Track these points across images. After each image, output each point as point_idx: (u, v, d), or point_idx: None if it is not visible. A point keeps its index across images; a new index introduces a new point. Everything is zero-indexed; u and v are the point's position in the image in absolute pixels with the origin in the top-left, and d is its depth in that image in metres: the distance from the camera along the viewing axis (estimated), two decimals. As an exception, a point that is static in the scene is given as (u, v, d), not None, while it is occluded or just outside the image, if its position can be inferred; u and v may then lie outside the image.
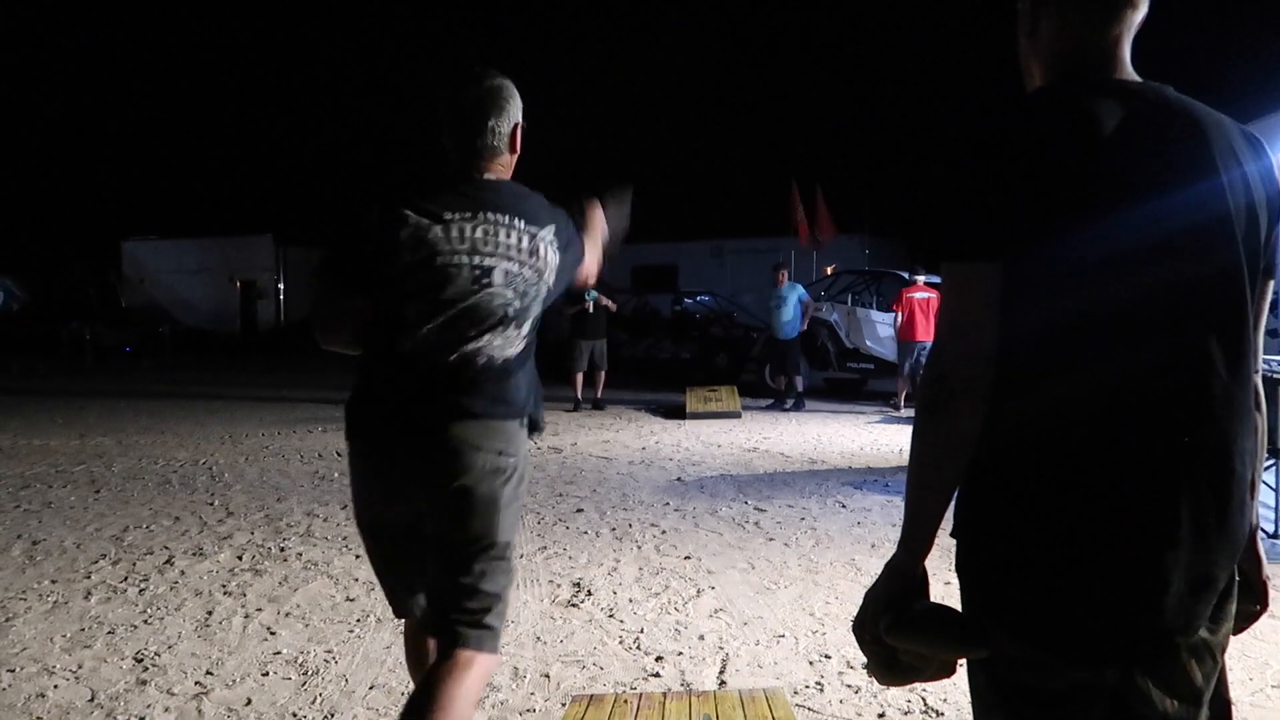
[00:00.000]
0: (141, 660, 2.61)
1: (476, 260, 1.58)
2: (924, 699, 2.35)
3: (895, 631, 0.88)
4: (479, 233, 1.58)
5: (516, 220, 1.61)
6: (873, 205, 15.40)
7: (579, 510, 4.61)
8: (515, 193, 1.65)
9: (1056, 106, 0.91)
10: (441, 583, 1.60)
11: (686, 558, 3.75)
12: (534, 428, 1.70)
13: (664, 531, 4.18)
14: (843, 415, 8.68)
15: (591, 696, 2.27)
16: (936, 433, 0.87)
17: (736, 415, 8.43)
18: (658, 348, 13.23)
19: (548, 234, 1.65)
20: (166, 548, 3.84)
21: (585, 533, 4.15)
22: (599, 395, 9.14)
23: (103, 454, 6.25)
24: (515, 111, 1.65)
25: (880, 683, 0.95)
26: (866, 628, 0.91)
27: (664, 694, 2.29)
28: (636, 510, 4.62)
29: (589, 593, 3.27)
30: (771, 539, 4.04)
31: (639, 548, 3.90)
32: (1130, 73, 0.96)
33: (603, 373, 9.06)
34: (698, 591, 3.28)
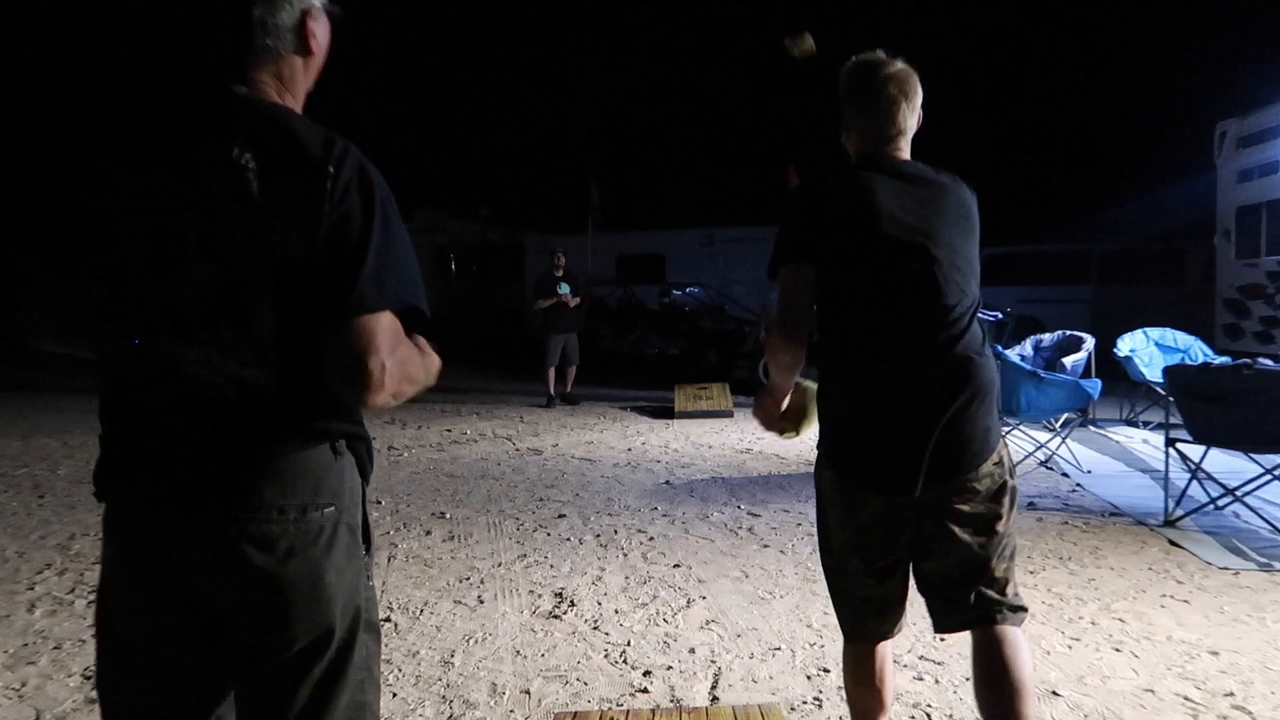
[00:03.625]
0: (90, 678, 2.59)
1: (164, 219, 1.13)
2: (928, 714, 2.37)
3: (786, 433, 1.98)
4: (190, 169, 1.14)
5: (254, 148, 1.14)
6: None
7: (561, 516, 4.60)
8: (270, 117, 1.17)
9: (848, 175, 1.77)
10: None
11: (676, 566, 3.75)
12: (361, 464, 1.27)
13: (652, 538, 4.19)
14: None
15: (575, 714, 2.27)
16: (786, 352, 1.77)
17: (729, 414, 8.45)
18: (644, 343, 13.23)
19: (311, 170, 1.14)
20: (117, 557, 3.79)
21: (568, 540, 4.15)
22: (569, 389, 9.22)
23: (47, 456, 6.17)
24: None
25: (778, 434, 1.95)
26: (773, 426, 1.95)
27: (653, 710, 2.29)
28: (622, 516, 4.62)
29: (572, 603, 3.26)
30: (766, 546, 4.05)
31: (625, 555, 3.90)
32: (905, 156, 1.82)
33: (574, 368, 9.15)
34: (688, 602, 3.29)
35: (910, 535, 1.76)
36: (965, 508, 1.72)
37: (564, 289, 8.97)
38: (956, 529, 1.72)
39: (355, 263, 1.12)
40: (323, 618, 1.17)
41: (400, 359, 1.15)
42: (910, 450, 1.69)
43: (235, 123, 1.15)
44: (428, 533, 4.26)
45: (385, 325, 1.13)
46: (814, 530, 4.47)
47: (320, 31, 1.27)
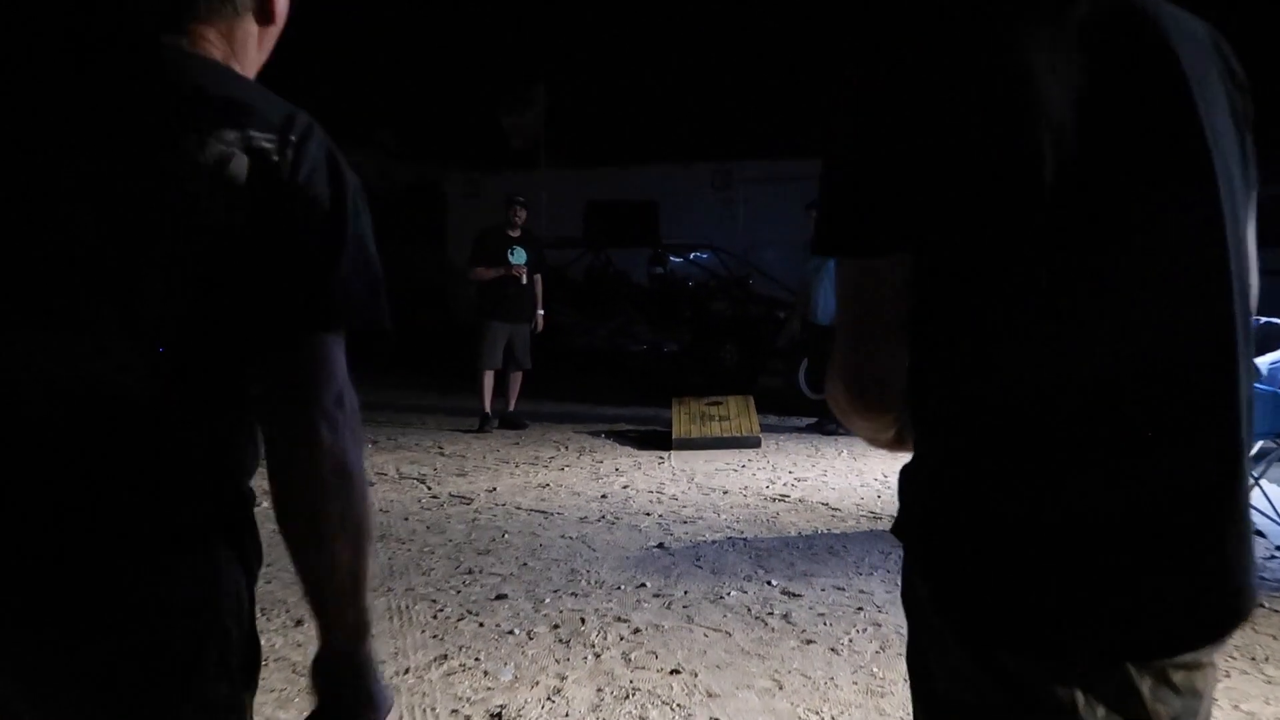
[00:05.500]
0: None
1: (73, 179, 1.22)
2: None
3: None
4: (82, 126, 1.24)
5: (181, 108, 1.25)
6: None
7: (499, 597, 4.58)
8: (216, 72, 1.33)
9: (991, 21, 1.19)
10: None
11: (674, 672, 3.74)
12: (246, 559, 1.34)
13: (637, 630, 4.17)
14: (920, 442, 8.72)
15: None
16: (862, 420, 1.37)
17: (754, 443, 8.47)
18: (627, 334, 13.22)
19: (258, 143, 1.26)
20: None
21: (511, 632, 4.13)
22: (514, 405, 9.27)
23: None
24: None
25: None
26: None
27: None
28: (593, 597, 4.60)
29: (517, 730, 3.23)
30: (810, 641, 4.05)
31: (597, 657, 3.89)
32: None
33: (522, 374, 9.22)
34: (692, 727, 3.26)
35: None
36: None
37: (518, 256, 8.96)
38: None
39: (324, 264, 1.24)
40: None
41: (354, 405, 1.27)
42: (1193, 577, 1.21)
43: (166, 71, 1.27)
44: (297, 623, 4.20)
45: (341, 352, 1.26)
46: (880, 616, 4.51)
47: None
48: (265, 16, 1.42)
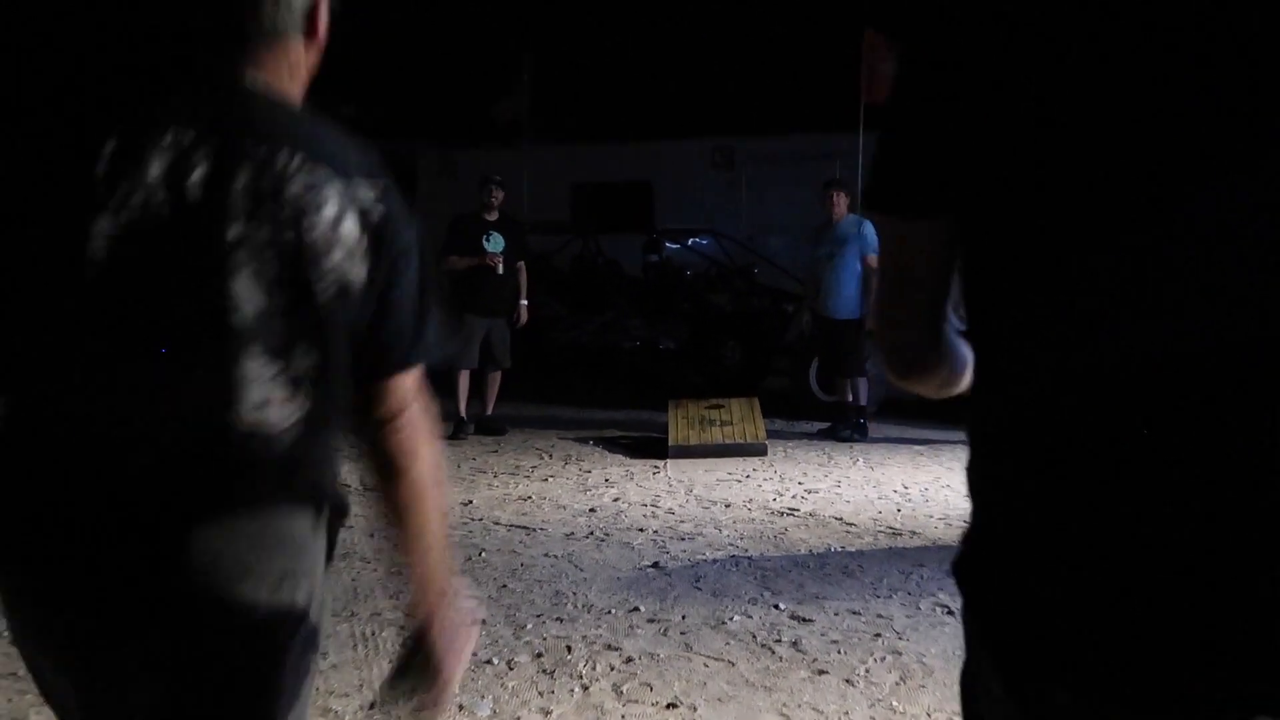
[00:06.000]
0: None
1: (211, 226, 1.47)
2: None
3: None
4: (203, 170, 1.48)
5: (287, 154, 1.52)
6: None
7: (476, 623, 4.56)
8: (291, 114, 1.61)
9: None
10: None
11: (670, 706, 3.75)
12: (331, 545, 1.72)
13: (629, 660, 4.18)
14: (943, 450, 8.73)
15: None
16: (919, 383, 1.47)
17: (759, 451, 8.49)
18: (618, 329, 13.21)
19: (361, 192, 1.56)
20: None
21: (489, 662, 4.13)
22: (491, 409, 9.27)
23: None
24: None
25: None
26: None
27: None
28: (580, 622, 4.61)
29: (496, 771, 3.24)
30: (822, 672, 4.05)
31: (585, 688, 3.90)
32: None
33: (500, 374, 9.22)
34: (691, 767, 3.28)
35: None
36: None
37: (494, 243, 8.94)
38: None
39: (423, 309, 1.66)
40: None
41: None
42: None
43: (262, 115, 1.56)
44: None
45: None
46: (900, 643, 4.51)
47: (325, 12, 1.66)
48: (311, 32, 1.64)
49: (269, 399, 1.51)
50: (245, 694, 1.56)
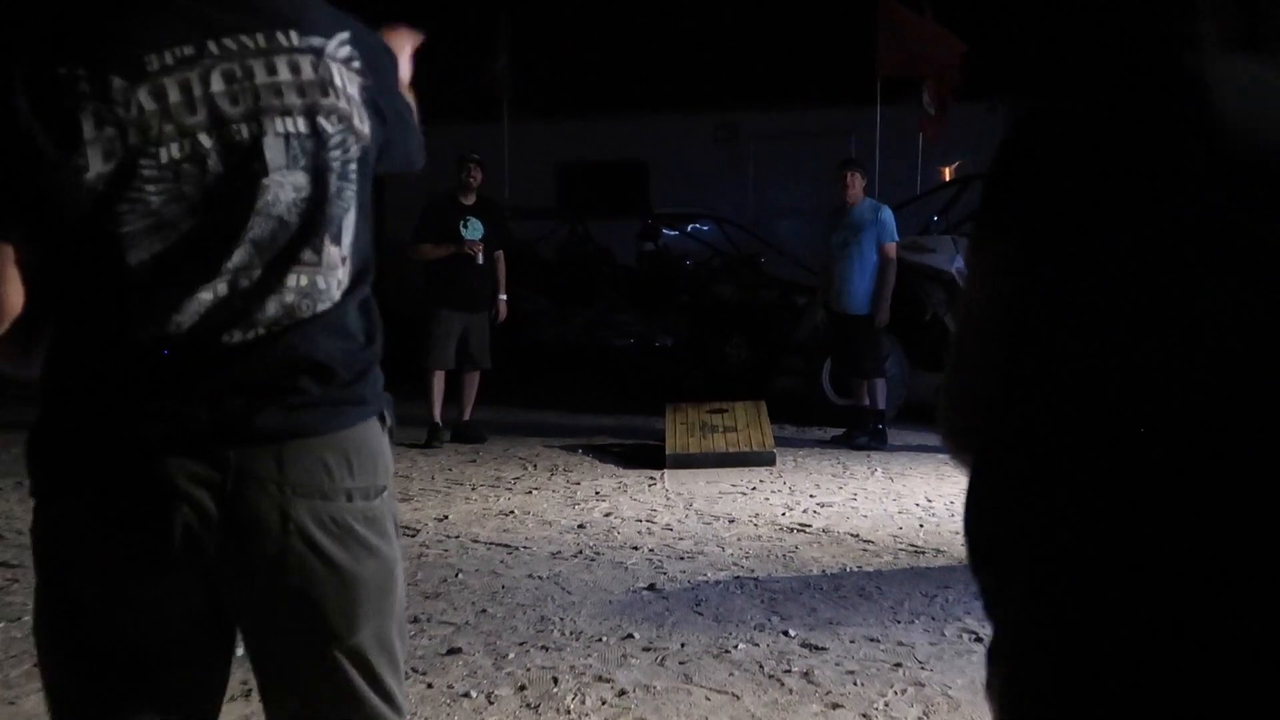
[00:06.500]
0: None
1: (226, 132, 1.68)
2: None
3: None
4: (218, 80, 1.67)
5: (281, 34, 1.74)
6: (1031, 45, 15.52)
7: (452, 651, 4.57)
8: None
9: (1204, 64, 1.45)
10: None
11: (669, 744, 3.73)
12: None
13: (622, 692, 4.17)
14: (971, 458, 8.73)
15: None
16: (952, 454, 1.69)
17: (766, 460, 8.48)
18: (610, 325, 13.21)
19: (338, 48, 1.79)
20: None
21: (466, 695, 4.13)
22: (469, 414, 9.28)
23: None
24: None
25: None
26: None
27: None
28: (568, 651, 4.60)
29: (475, 817, 3.24)
30: (836, 705, 4.05)
31: (574, 725, 3.88)
32: None
33: (479, 375, 9.20)
34: (692, 812, 3.28)
35: None
36: None
37: (473, 229, 8.92)
38: None
39: (417, 140, 2.06)
40: (387, 617, 1.85)
41: None
42: None
43: (252, 7, 1.76)
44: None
45: None
46: (922, 674, 4.49)
47: None
48: None
49: (319, 282, 1.75)
50: (337, 590, 1.78)
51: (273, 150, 1.69)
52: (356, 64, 1.81)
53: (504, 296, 9.31)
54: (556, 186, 15.86)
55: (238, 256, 1.69)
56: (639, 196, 15.62)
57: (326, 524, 1.73)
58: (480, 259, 8.90)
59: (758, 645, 4.64)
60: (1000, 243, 1.46)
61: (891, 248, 9.06)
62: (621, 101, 17.79)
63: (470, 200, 9.01)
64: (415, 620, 4.90)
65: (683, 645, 4.64)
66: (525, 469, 8.32)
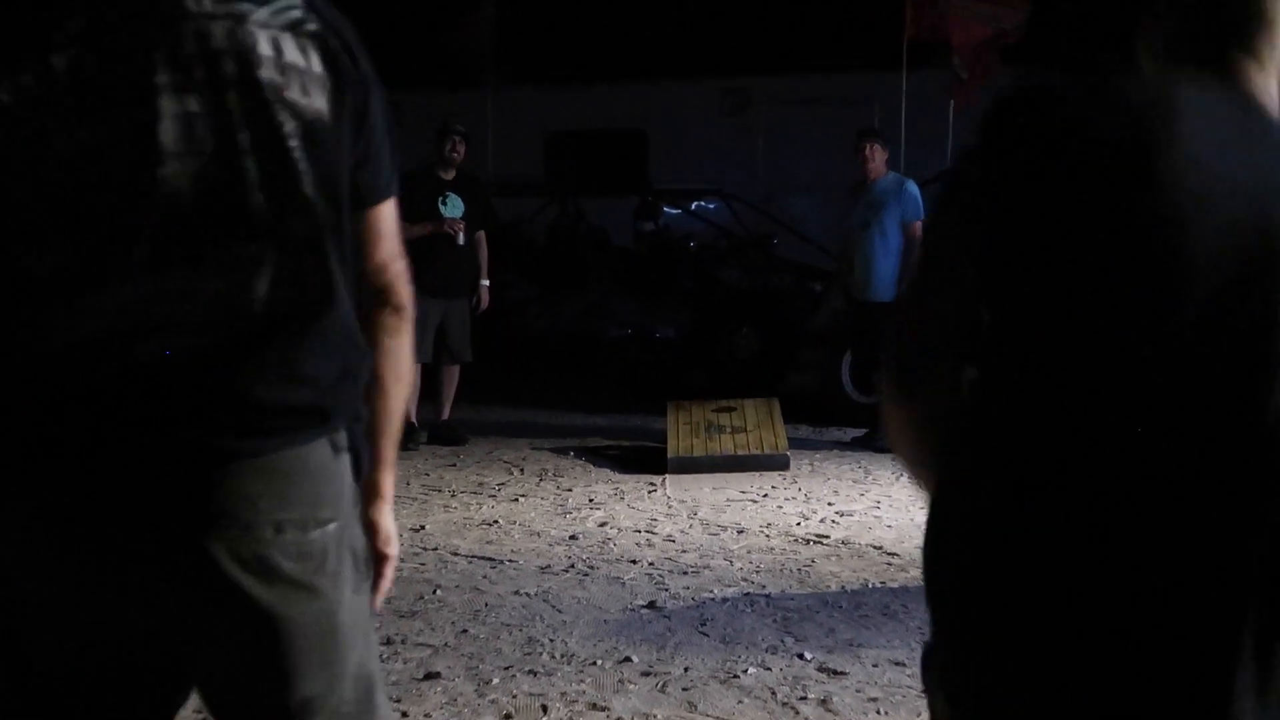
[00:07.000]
0: None
1: (117, 115, 1.66)
2: None
3: None
4: (108, 56, 1.66)
5: (191, 1, 1.71)
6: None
7: (430, 675, 4.59)
8: None
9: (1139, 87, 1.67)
10: None
11: (671, 779, 3.74)
12: (356, 461, 1.91)
13: (620, 721, 4.17)
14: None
15: None
16: (893, 412, 2.06)
17: (779, 464, 8.53)
18: (605, 314, 13.21)
19: (275, 15, 1.77)
20: None
21: (446, 725, 4.12)
22: (446, 414, 9.32)
23: None
24: None
25: None
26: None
27: None
28: (559, 675, 4.62)
29: None
30: (857, 735, 4.05)
31: (565, 758, 3.88)
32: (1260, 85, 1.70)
33: (458, 369, 9.25)
34: None
35: None
36: None
37: (453, 206, 8.93)
38: None
39: (388, 138, 1.97)
40: (336, 677, 1.81)
41: None
42: None
43: None
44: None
45: None
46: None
47: None
48: None
49: (269, 279, 1.73)
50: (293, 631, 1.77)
51: (168, 133, 1.66)
52: (311, 26, 1.78)
53: (486, 282, 9.29)
54: (545, 159, 15.84)
55: (140, 254, 1.67)
56: (637, 171, 15.62)
57: (247, 560, 1.69)
58: (461, 239, 8.86)
59: (770, 669, 4.65)
60: (960, 235, 1.66)
61: (917, 226, 8.95)
62: (618, 65, 17.74)
63: (450, 175, 9.00)
64: (389, 642, 4.91)
65: (686, 669, 4.65)
66: (511, 474, 8.34)
